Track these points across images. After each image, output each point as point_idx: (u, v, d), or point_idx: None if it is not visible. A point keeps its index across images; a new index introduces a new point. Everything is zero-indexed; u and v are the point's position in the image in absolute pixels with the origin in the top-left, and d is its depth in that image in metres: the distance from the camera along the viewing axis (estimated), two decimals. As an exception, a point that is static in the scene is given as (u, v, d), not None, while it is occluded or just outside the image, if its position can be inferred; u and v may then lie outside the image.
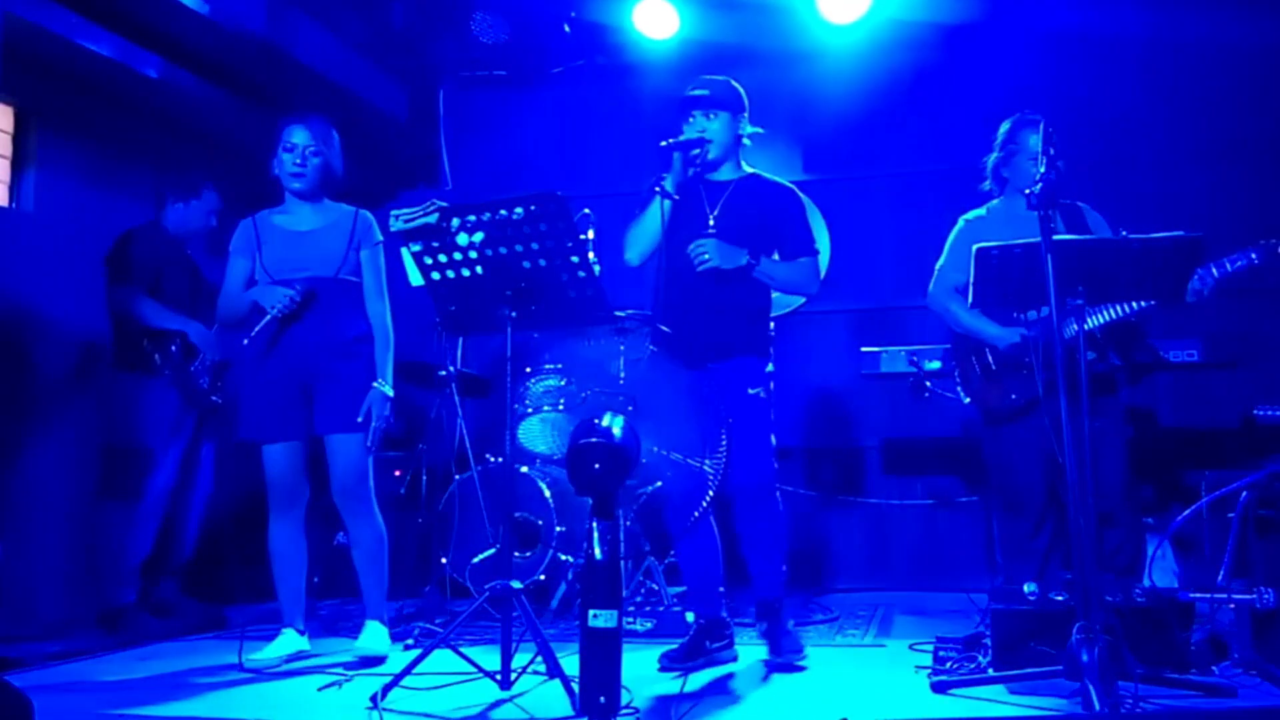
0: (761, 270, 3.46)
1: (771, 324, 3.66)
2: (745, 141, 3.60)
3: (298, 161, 3.62)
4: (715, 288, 3.43)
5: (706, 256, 3.38)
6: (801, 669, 3.33)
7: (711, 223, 3.49)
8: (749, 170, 3.63)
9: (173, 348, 4.24)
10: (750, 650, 3.53)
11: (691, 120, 3.51)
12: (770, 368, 3.54)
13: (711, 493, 3.43)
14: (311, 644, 3.67)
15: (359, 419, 3.53)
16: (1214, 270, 3.27)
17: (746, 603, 3.65)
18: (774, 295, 3.61)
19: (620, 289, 3.87)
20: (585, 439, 2.68)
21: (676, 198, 3.42)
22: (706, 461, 3.45)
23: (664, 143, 3.43)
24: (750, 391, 3.44)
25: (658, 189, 3.40)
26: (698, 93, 3.51)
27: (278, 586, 3.62)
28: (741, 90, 3.57)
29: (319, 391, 3.56)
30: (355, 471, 3.57)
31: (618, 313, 4.23)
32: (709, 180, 3.57)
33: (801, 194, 3.62)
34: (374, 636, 3.55)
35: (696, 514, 3.46)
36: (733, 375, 3.46)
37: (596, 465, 2.65)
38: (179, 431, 4.31)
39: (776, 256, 3.52)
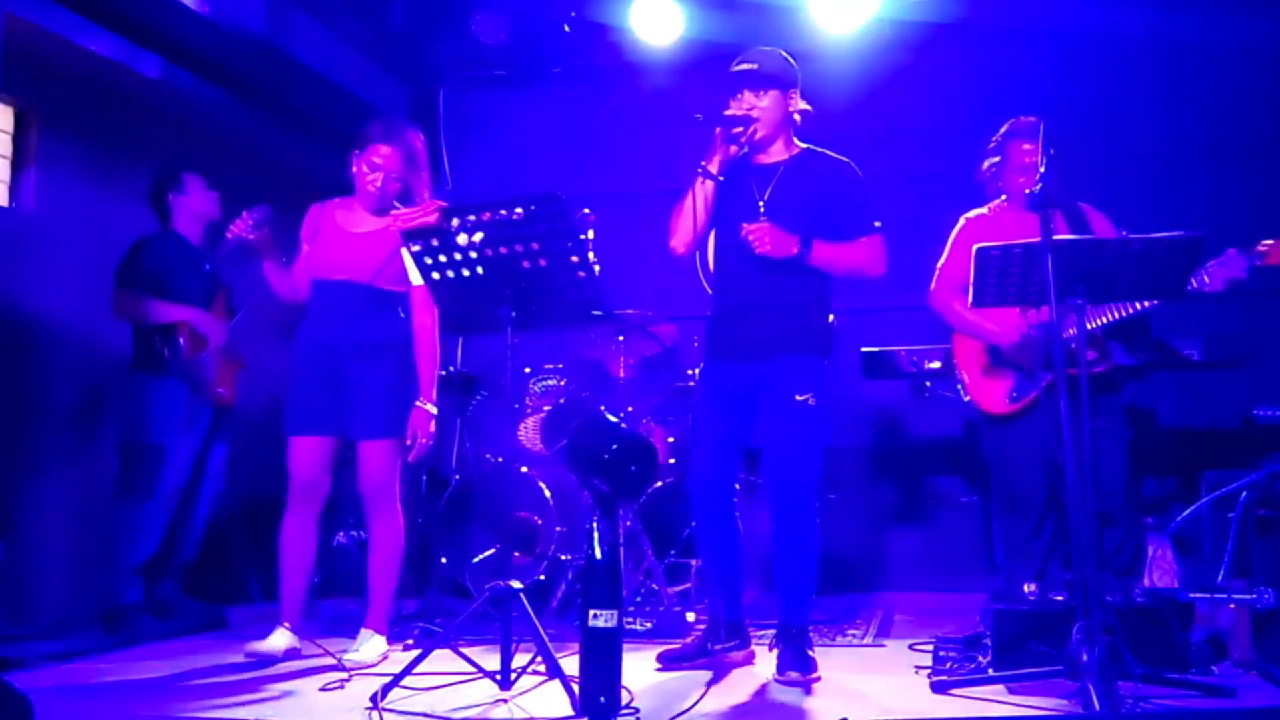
0: (817, 257, 3.17)
1: (831, 316, 3.34)
2: (796, 118, 3.33)
3: (377, 183, 3.61)
4: (766, 277, 3.19)
5: (754, 240, 3.10)
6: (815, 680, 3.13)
7: (761, 208, 3.22)
8: (802, 147, 3.36)
9: (180, 340, 4.24)
10: (756, 652, 3.51)
11: (740, 98, 3.23)
12: (827, 369, 3.25)
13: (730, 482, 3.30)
14: (311, 644, 3.66)
15: (407, 442, 3.55)
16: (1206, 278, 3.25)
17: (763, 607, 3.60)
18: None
19: (621, 289, 3.86)
20: (615, 440, 2.65)
21: (720, 178, 3.21)
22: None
23: (698, 115, 3.17)
24: (798, 398, 3.15)
25: (700, 169, 3.20)
26: (745, 67, 3.24)
27: (282, 580, 3.61)
28: (793, 62, 3.32)
29: (349, 396, 3.56)
30: (384, 474, 3.60)
31: (600, 311, 4.21)
32: (759, 162, 3.32)
33: (858, 169, 3.33)
34: (369, 649, 3.51)
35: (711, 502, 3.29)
36: (780, 378, 3.19)
37: (634, 468, 2.64)
38: (191, 429, 4.31)
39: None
